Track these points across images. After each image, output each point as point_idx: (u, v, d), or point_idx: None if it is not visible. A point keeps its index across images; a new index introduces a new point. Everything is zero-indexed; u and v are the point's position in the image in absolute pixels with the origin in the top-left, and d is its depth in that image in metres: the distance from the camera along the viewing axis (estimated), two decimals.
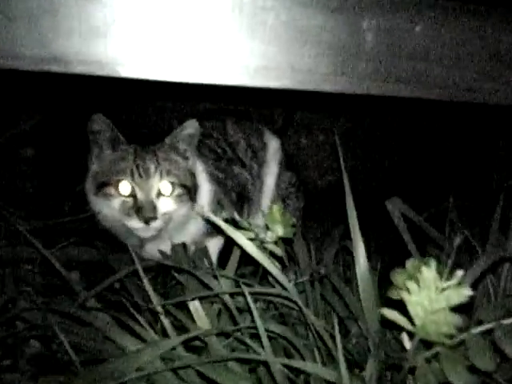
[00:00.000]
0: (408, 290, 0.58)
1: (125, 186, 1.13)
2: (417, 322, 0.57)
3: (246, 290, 0.76)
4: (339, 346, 0.66)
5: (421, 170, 2.07)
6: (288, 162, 1.63)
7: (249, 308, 0.77)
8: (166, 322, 0.85)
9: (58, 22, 0.59)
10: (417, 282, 0.58)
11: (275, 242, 0.92)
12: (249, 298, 0.75)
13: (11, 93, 1.27)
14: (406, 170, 2.10)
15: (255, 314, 0.74)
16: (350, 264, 1.25)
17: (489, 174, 1.82)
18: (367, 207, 1.11)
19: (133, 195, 1.13)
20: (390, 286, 0.92)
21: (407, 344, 0.61)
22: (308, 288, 1.01)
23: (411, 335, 0.61)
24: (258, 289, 0.86)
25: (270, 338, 0.82)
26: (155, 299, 0.87)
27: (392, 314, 0.58)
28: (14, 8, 0.57)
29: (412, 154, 2.11)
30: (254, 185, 1.50)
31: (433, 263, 0.57)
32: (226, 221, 0.89)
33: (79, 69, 0.62)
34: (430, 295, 0.56)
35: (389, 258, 1.21)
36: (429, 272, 0.57)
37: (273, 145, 1.58)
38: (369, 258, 0.90)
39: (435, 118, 1.99)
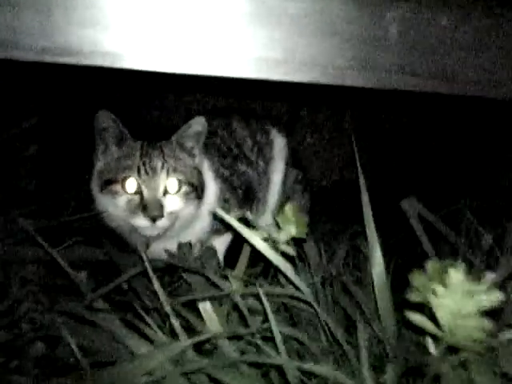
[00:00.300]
0: (434, 292, 0.56)
1: (131, 184, 1.10)
2: (444, 326, 0.55)
3: (261, 291, 0.74)
4: (363, 350, 0.64)
5: (431, 169, 2.04)
6: (294, 160, 1.60)
7: (264, 310, 0.75)
8: (176, 323, 0.82)
9: (68, 12, 0.57)
10: (443, 284, 0.55)
11: (287, 242, 0.89)
12: (264, 300, 0.73)
13: (13, 88, 1.24)
14: (414, 168, 2.07)
15: (270, 316, 0.71)
16: (359, 264, 1.23)
17: (503, 172, 1.80)
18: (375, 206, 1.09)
19: (139, 193, 1.10)
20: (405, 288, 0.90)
21: (432, 349, 0.58)
22: (319, 289, 0.99)
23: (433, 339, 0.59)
24: (272, 289, 0.83)
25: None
26: (164, 300, 0.84)
27: (417, 318, 0.56)
28: None
29: (421, 151, 2.09)
30: (261, 183, 1.48)
31: (461, 265, 0.55)
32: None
33: (89, 61, 0.60)
34: (458, 299, 0.54)
35: (397, 258, 1.19)
36: (456, 274, 0.54)
37: (279, 142, 1.55)
38: None
39: (446, 114, 1.96)
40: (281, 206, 1.46)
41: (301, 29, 0.59)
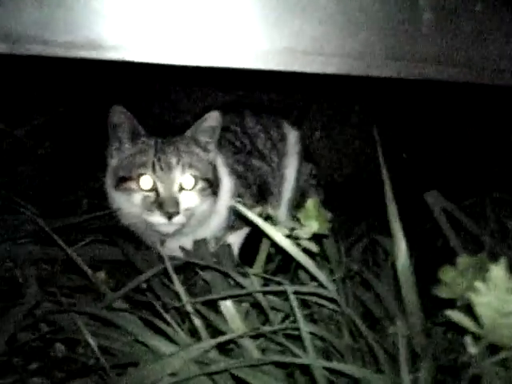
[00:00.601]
0: (475, 290, 0.54)
1: (146, 181, 1.09)
2: (485, 324, 0.53)
3: (289, 289, 0.72)
4: (403, 349, 0.62)
5: (447, 161, 2.00)
6: (307, 154, 1.58)
7: (284, 307, 0.73)
8: (198, 323, 0.80)
9: (90, 6, 0.55)
10: (484, 281, 0.53)
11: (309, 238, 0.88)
12: (291, 297, 0.71)
13: (23, 84, 1.23)
14: (429, 160, 2.04)
15: (298, 314, 0.70)
16: (377, 259, 1.21)
17: None
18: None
19: (154, 190, 1.08)
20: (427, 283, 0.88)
21: (471, 348, 0.56)
22: (340, 286, 0.97)
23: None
24: (299, 288, 0.81)
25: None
26: (185, 299, 0.82)
27: (457, 316, 0.54)
28: None
29: (436, 144, 2.05)
30: (274, 177, 1.46)
31: (503, 261, 0.53)
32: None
33: (111, 54, 0.58)
34: (501, 296, 0.52)
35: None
36: (499, 271, 0.52)
37: (292, 136, 1.53)
38: None
39: (465, 102, 1.90)
40: (299, 202, 1.45)
41: (331, 19, 0.57)
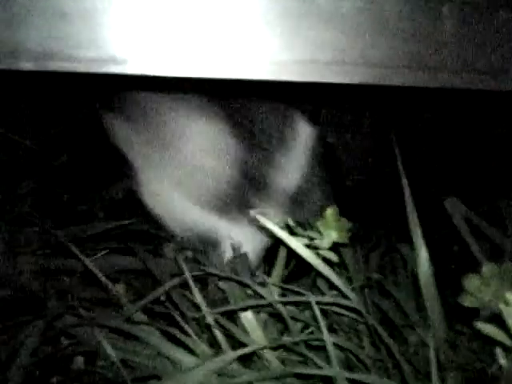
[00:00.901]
0: (504, 300, 0.53)
1: None
2: None
3: (313, 300, 0.71)
4: (433, 362, 0.61)
5: (457, 167, 1.99)
6: (320, 154, 1.55)
7: (312, 318, 0.72)
8: (219, 334, 0.80)
9: (112, 20, 0.55)
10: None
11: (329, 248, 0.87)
12: (315, 308, 0.70)
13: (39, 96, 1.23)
14: (440, 166, 2.02)
15: (323, 325, 0.69)
16: (395, 267, 1.20)
17: None
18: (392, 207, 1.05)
19: None
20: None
21: (503, 361, 0.55)
22: (358, 294, 0.96)
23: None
24: (322, 298, 0.81)
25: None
26: (206, 310, 0.82)
27: (488, 328, 0.53)
28: (65, 5, 0.52)
29: (446, 150, 2.04)
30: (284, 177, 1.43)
31: None
32: None
33: (135, 70, 0.58)
34: None
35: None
36: None
37: (304, 133, 1.49)
38: None
39: (475, 107, 1.89)
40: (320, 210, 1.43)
41: (352, 28, 0.56)
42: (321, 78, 0.58)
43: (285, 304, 0.89)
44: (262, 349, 0.77)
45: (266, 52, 0.58)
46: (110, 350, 0.76)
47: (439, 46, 0.58)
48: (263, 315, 0.94)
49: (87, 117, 1.24)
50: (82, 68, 0.51)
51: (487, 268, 0.67)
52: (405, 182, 0.83)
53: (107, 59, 0.53)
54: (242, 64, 0.59)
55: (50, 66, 0.50)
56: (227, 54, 0.58)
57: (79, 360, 0.86)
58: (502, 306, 0.53)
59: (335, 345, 0.82)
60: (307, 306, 0.94)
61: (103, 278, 0.84)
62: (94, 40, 0.51)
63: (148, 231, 1.15)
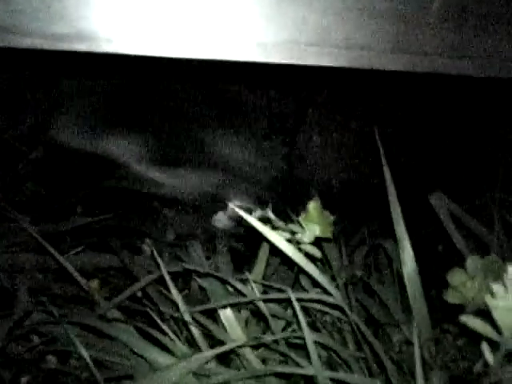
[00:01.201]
0: (491, 293, 0.51)
1: None
2: (505, 330, 0.50)
3: (293, 297, 0.68)
4: (418, 361, 0.59)
5: (445, 161, 1.97)
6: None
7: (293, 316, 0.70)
8: (196, 333, 0.77)
9: None
10: (502, 283, 0.50)
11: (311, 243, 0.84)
12: (296, 307, 0.67)
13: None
14: (425, 161, 2.01)
15: (303, 323, 0.66)
16: (379, 265, 1.18)
17: None
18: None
19: None
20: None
21: (489, 356, 0.53)
22: (343, 292, 0.94)
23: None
24: (304, 295, 0.78)
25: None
26: (183, 308, 0.78)
27: (474, 322, 0.51)
28: None
29: (435, 143, 2.02)
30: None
31: None
32: None
33: (103, 47, 0.55)
34: None
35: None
36: None
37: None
38: None
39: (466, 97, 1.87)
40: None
41: (335, 8, 0.54)
42: (302, 61, 0.56)
43: (267, 301, 0.87)
44: (241, 347, 0.74)
45: (245, 33, 0.56)
46: (81, 349, 0.73)
47: (423, 28, 0.56)
48: (244, 313, 0.92)
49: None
50: (43, 45, 0.48)
51: (471, 260, 0.65)
52: (388, 177, 0.80)
53: (72, 35, 0.50)
54: (225, 45, 0.56)
55: (12, 41, 0.47)
56: (203, 35, 0.55)
57: (51, 359, 0.82)
58: (487, 298, 0.51)
59: (317, 343, 0.80)
60: (290, 303, 0.92)
61: (76, 274, 0.81)
62: (55, 15, 0.48)
63: (127, 226, 1.12)
